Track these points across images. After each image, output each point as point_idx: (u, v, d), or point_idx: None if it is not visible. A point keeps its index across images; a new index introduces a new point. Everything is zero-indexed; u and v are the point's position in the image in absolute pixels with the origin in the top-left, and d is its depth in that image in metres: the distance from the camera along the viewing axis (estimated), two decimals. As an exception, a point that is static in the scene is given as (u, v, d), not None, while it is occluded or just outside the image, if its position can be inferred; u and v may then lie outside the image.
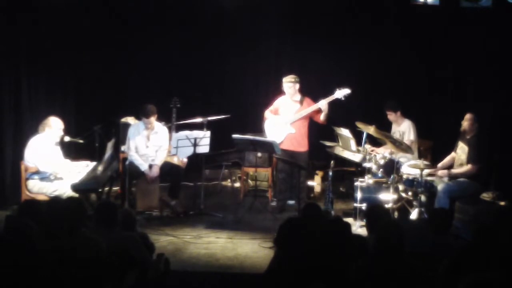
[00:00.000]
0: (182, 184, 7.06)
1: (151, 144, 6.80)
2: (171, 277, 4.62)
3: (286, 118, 6.96)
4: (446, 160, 6.65)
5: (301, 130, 6.95)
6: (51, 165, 6.32)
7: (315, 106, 6.86)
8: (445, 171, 6.40)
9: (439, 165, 6.64)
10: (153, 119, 6.71)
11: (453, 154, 6.60)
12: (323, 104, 6.80)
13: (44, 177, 6.27)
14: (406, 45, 8.12)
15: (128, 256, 3.95)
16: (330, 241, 3.66)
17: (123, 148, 7.16)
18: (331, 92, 6.85)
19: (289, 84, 6.89)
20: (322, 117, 6.91)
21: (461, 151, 6.44)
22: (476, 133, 6.34)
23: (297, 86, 6.92)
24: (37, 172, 6.29)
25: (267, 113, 7.13)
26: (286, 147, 6.94)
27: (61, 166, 6.45)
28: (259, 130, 7.42)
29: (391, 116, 7.13)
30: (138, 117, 6.96)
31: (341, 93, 6.83)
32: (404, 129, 7.04)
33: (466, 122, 6.37)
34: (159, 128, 6.89)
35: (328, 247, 3.61)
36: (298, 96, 6.97)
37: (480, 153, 6.23)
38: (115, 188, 7.32)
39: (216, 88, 8.52)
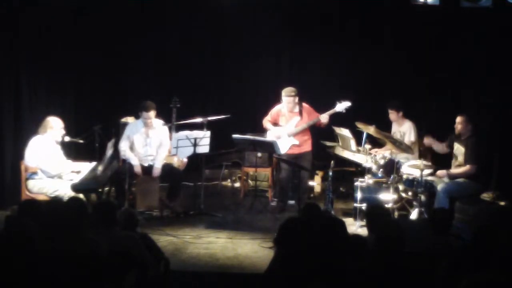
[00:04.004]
0: (182, 185, 7.03)
1: (151, 141, 6.78)
2: (171, 277, 4.61)
3: (287, 131, 6.94)
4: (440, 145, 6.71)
5: (303, 136, 6.97)
6: (53, 165, 6.32)
7: (316, 120, 6.86)
8: (444, 171, 6.41)
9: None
10: (152, 114, 6.67)
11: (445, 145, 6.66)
12: (324, 117, 6.82)
13: (49, 176, 6.27)
14: (406, 45, 8.11)
15: (128, 256, 3.94)
16: (326, 240, 3.66)
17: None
18: (332, 101, 6.87)
19: (289, 98, 6.81)
20: (323, 124, 6.92)
21: (458, 152, 6.44)
22: (472, 134, 6.35)
23: (297, 99, 6.87)
24: (38, 172, 6.28)
25: (267, 124, 7.09)
26: (291, 151, 6.95)
27: (64, 165, 6.45)
28: (259, 130, 7.41)
29: (392, 115, 7.13)
30: (137, 116, 6.93)
31: (341, 106, 6.87)
32: (405, 130, 7.05)
33: (459, 125, 6.39)
34: (158, 125, 6.85)
35: (325, 247, 3.61)
36: (297, 108, 6.94)
37: (477, 154, 6.24)
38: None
39: (216, 88, 8.51)
